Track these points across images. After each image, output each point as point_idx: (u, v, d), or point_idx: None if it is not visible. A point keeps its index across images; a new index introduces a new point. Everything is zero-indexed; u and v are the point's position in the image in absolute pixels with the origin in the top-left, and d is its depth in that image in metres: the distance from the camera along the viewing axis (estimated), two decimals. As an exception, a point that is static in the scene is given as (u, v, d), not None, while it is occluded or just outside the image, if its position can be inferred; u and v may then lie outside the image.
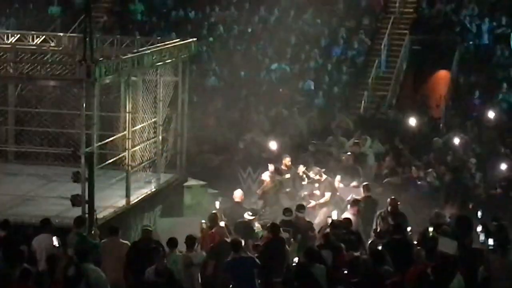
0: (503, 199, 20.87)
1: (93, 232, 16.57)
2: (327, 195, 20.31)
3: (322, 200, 20.28)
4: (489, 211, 18.78)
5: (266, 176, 20.66)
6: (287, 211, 17.85)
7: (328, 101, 27.30)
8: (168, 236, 16.32)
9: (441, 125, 25.82)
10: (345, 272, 14.83)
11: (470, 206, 19.80)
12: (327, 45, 29.78)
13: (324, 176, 20.62)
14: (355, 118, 26.19)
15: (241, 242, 15.44)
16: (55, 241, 15.48)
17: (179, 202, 21.38)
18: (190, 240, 15.91)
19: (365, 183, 20.39)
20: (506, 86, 26.58)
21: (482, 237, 16.70)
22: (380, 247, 15.80)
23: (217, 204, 18.51)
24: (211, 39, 30.11)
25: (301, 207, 18.20)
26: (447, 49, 28.81)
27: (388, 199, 18.75)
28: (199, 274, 15.60)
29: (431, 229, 16.83)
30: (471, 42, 29.06)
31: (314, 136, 24.76)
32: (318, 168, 20.86)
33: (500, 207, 20.07)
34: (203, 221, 18.09)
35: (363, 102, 27.59)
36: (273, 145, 23.62)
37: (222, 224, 17.09)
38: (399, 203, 18.58)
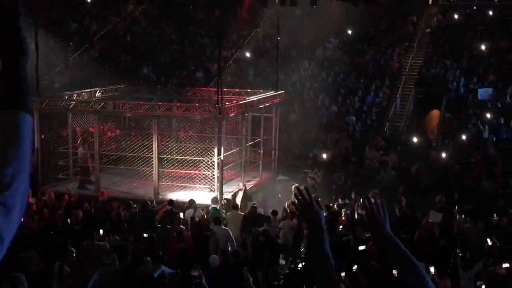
0: None
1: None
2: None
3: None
4: None
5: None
6: None
7: (364, 129, 26.98)
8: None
9: (433, 143, 25.27)
10: None
11: None
12: (363, 94, 29.45)
13: None
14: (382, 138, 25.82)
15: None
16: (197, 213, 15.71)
17: (273, 189, 21.39)
18: (292, 213, 15.92)
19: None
20: (474, 118, 25.86)
21: None
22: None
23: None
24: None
25: None
26: (438, 97, 28.26)
27: None
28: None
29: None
30: (452, 93, 28.29)
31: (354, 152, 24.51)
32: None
33: None
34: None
35: (386, 129, 27.22)
36: (324, 155, 23.60)
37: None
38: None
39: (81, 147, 19.57)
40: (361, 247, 13.36)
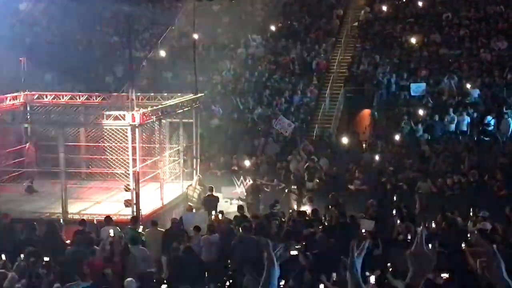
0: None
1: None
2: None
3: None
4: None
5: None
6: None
7: (293, 132, 27.12)
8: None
9: (364, 145, 25.82)
10: None
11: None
12: (290, 94, 29.71)
13: None
14: (310, 142, 26.12)
15: (251, 227, 15.41)
16: (114, 232, 15.45)
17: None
18: (211, 227, 15.92)
19: None
20: (406, 117, 26.54)
21: None
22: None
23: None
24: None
25: None
26: (369, 95, 28.89)
27: None
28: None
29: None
30: (383, 91, 28.94)
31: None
32: None
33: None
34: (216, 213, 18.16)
35: (315, 132, 27.52)
36: (247, 162, 23.75)
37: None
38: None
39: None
40: (293, 252, 13.49)
